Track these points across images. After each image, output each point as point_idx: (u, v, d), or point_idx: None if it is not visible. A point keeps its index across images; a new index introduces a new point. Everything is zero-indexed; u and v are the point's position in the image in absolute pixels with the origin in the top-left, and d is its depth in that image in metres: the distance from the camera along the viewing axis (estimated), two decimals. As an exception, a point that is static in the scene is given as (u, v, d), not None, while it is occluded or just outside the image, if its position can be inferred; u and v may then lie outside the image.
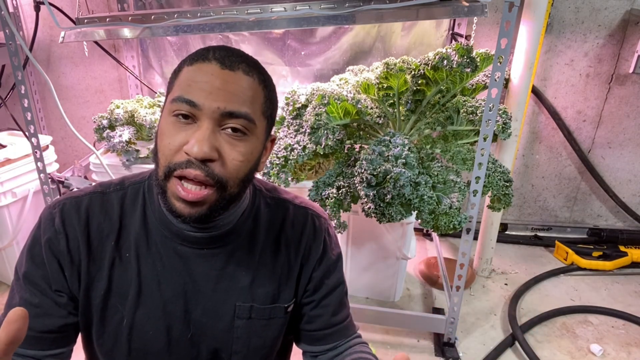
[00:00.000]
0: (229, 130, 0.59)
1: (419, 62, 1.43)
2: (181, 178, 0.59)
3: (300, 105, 1.64)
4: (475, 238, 2.07)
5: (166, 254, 0.69)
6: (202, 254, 0.69)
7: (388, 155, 1.36)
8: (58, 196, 1.78)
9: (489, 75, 1.38)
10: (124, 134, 1.73)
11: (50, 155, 1.91)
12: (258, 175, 0.81)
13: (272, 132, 0.70)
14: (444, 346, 1.62)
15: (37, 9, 2.01)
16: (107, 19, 1.54)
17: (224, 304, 0.71)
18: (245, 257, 0.72)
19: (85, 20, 1.56)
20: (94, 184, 0.73)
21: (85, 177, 1.88)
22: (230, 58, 0.60)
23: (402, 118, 1.59)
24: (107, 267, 0.67)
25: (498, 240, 2.08)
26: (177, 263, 0.69)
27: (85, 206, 0.68)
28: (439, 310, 1.80)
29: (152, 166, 0.67)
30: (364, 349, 0.80)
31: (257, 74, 0.62)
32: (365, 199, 1.34)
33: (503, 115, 1.54)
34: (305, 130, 1.49)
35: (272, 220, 0.75)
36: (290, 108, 1.66)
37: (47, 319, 0.66)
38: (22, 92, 1.54)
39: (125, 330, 0.69)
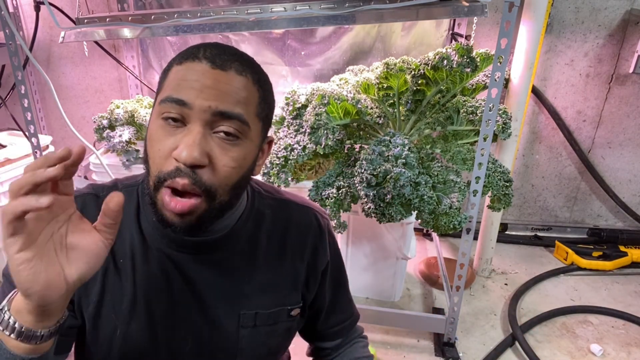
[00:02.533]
0: (221, 134, 0.56)
1: (419, 62, 1.43)
2: (169, 187, 0.56)
3: (300, 105, 1.64)
4: (475, 238, 2.07)
5: (163, 261, 0.65)
6: (200, 259, 0.66)
7: (388, 155, 1.36)
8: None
9: (489, 75, 1.38)
10: (124, 134, 1.73)
11: (50, 155, 1.90)
12: (258, 177, 0.81)
13: (270, 134, 0.67)
14: (444, 346, 1.62)
15: (37, 9, 2.02)
16: (107, 19, 1.54)
17: (228, 313, 0.68)
18: (247, 262, 0.69)
19: (85, 20, 1.56)
20: (88, 183, 0.70)
21: (86, 177, 1.88)
22: (222, 57, 0.57)
23: (402, 118, 1.59)
24: (101, 273, 0.63)
25: (498, 240, 2.08)
26: (175, 271, 0.65)
27: (80, 207, 0.62)
28: (439, 310, 1.80)
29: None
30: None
31: (251, 73, 0.59)
32: (365, 199, 1.34)
33: (503, 115, 1.54)
34: (305, 130, 1.49)
35: (275, 222, 0.72)
36: (290, 108, 1.65)
37: None
38: (22, 92, 1.54)
39: (119, 342, 0.65)
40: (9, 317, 0.47)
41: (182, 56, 0.58)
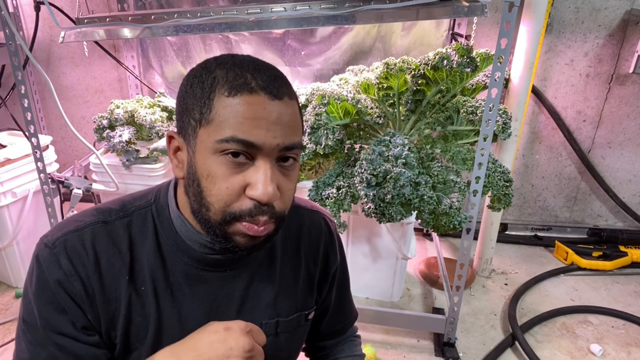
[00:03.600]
0: (281, 161, 0.57)
1: (419, 62, 1.43)
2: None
3: (300, 105, 1.64)
4: (475, 238, 2.07)
5: (187, 282, 0.64)
6: (226, 276, 0.66)
7: (388, 155, 1.36)
8: (58, 199, 1.78)
9: (489, 75, 1.38)
10: (124, 134, 1.73)
11: (50, 155, 1.91)
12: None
13: None
14: (444, 346, 1.62)
15: (37, 9, 2.01)
16: (107, 19, 1.54)
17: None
18: (267, 272, 0.70)
19: (85, 20, 1.56)
20: (90, 209, 0.66)
21: (85, 177, 1.88)
22: (274, 84, 0.55)
23: (402, 118, 1.59)
24: (125, 305, 0.62)
25: (498, 240, 2.08)
26: (200, 290, 0.65)
27: (90, 240, 0.61)
28: (439, 310, 1.80)
29: (149, 181, 0.64)
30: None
31: (295, 94, 0.59)
32: (365, 199, 1.34)
33: (503, 115, 1.54)
34: (305, 130, 1.49)
35: (288, 229, 0.73)
36: (290, 108, 1.65)
37: None
38: (22, 92, 1.54)
39: None
40: None
41: (231, 86, 0.54)
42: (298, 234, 0.74)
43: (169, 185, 0.66)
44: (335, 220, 1.45)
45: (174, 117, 1.83)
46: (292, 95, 0.58)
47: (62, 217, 1.81)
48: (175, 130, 0.61)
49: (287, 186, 0.58)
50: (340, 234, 1.50)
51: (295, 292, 0.73)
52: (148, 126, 1.78)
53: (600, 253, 2.12)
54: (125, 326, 0.62)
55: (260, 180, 0.54)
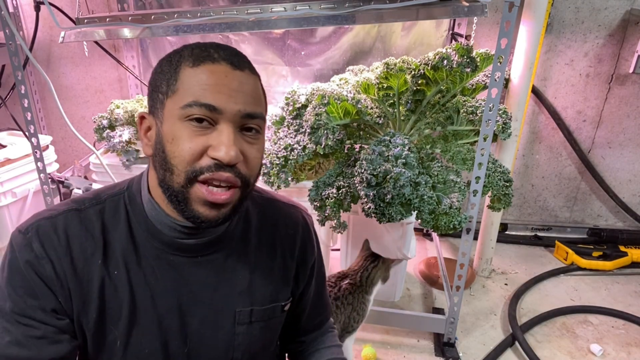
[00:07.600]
0: (245, 131, 0.61)
1: (419, 62, 1.43)
2: (206, 182, 0.58)
3: (300, 105, 1.64)
4: (475, 238, 2.07)
5: (158, 266, 0.66)
6: (196, 261, 0.68)
7: (388, 155, 1.36)
8: (58, 199, 1.78)
9: (489, 75, 1.38)
10: (124, 134, 1.73)
11: (50, 155, 1.91)
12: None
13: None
14: (444, 346, 1.62)
15: (37, 9, 2.01)
16: (107, 19, 1.53)
17: (224, 311, 0.70)
18: (241, 260, 0.71)
19: (85, 20, 1.56)
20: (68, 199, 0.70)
21: (85, 177, 1.88)
22: (237, 57, 0.60)
23: (402, 118, 1.59)
24: (97, 288, 0.63)
25: (498, 240, 2.08)
26: (171, 275, 0.66)
27: (62, 226, 0.63)
28: (439, 310, 1.80)
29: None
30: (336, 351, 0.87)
31: (256, 72, 0.63)
32: (365, 199, 1.34)
33: (503, 115, 1.54)
34: (305, 130, 1.49)
35: (263, 220, 0.74)
36: (290, 108, 1.65)
37: (56, 347, 0.62)
38: (22, 92, 1.54)
39: (120, 352, 0.65)
40: None
41: (195, 58, 0.59)
42: (274, 225, 0.75)
43: (142, 173, 0.69)
44: (335, 220, 1.45)
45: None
46: (254, 71, 0.62)
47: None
48: (147, 111, 0.64)
49: (252, 154, 0.61)
50: (340, 233, 1.50)
51: (270, 281, 0.73)
52: (148, 126, 1.78)
53: (600, 253, 2.12)
54: (98, 309, 0.63)
55: (222, 142, 0.57)
